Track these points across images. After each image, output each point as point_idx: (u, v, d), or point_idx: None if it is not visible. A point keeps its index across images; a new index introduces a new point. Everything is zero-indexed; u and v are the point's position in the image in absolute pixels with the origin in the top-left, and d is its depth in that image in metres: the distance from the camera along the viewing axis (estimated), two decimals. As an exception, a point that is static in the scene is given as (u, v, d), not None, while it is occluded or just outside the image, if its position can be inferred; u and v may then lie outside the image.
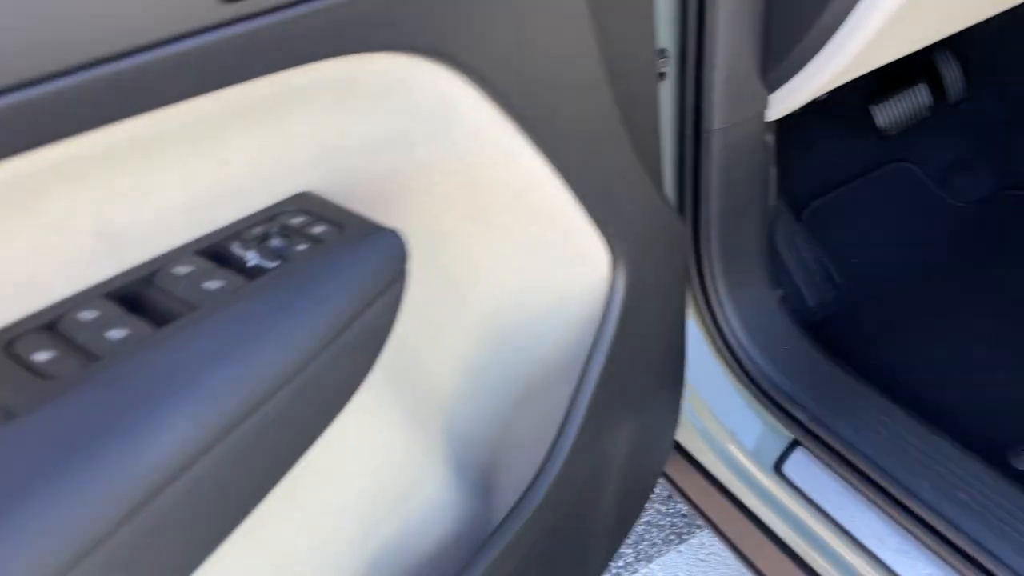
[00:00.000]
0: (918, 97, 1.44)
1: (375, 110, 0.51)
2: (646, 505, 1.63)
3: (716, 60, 0.93)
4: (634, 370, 0.79)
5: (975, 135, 1.49)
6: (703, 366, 1.14)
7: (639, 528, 1.59)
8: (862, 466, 0.98)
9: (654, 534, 1.58)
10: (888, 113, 1.43)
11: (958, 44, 1.47)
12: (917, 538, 0.92)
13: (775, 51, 0.94)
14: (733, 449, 1.10)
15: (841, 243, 1.40)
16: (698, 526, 1.56)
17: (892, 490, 0.94)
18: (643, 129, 0.73)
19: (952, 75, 1.47)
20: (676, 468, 1.20)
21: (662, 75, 0.94)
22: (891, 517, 0.94)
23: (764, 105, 1.01)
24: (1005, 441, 1.09)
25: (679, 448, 1.18)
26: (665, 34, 0.93)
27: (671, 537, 1.57)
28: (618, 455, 0.84)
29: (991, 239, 1.39)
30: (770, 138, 1.08)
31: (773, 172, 1.14)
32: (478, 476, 0.80)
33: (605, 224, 0.70)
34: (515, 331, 0.76)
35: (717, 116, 0.97)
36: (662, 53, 0.93)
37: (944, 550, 0.89)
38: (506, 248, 0.71)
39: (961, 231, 1.41)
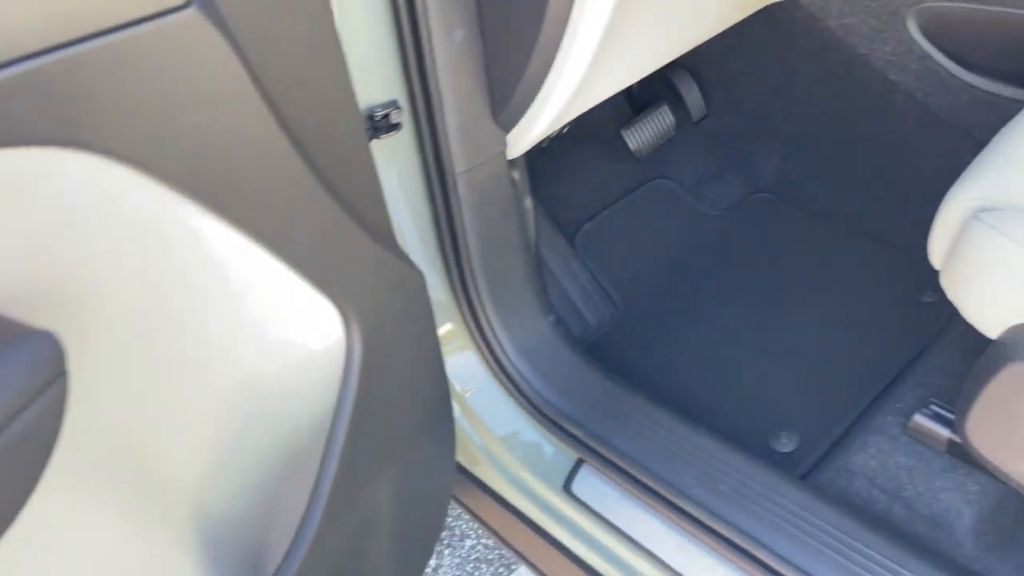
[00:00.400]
0: (663, 119, 1.56)
1: (21, 208, 0.49)
2: (473, 543, 1.64)
3: (446, 108, 0.96)
4: (387, 422, 0.79)
5: (720, 147, 1.63)
6: (489, 398, 1.16)
7: (468, 567, 1.59)
8: (637, 474, 1.03)
9: (484, 570, 1.58)
10: (638, 137, 1.54)
11: (693, 64, 1.60)
12: (691, 534, 0.97)
13: (500, 95, 0.98)
14: (526, 476, 1.13)
15: (614, 261, 1.48)
16: (525, 553, 1.58)
17: (664, 492, 1.00)
18: (361, 188, 0.74)
19: (691, 94, 1.61)
20: (478, 503, 1.21)
21: (397, 126, 0.96)
22: (667, 518, 1.00)
23: (503, 145, 1.05)
24: (767, 427, 1.18)
25: (479, 483, 1.20)
26: (395, 87, 0.95)
27: (500, 570, 1.58)
28: (385, 507, 0.83)
29: (744, 240, 1.51)
30: (517, 174, 1.13)
31: (529, 204, 1.19)
32: (245, 557, 0.77)
33: (328, 287, 0.70)
34: (261, 404, 0.74)
35: (458, 160, 1.00)
36: (394, 105, 0.95)
37: (713, 540, 0.95)
38: (233, 322, 0.69)
39: (719, 237, 1.53)
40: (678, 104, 1.61)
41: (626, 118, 1.56)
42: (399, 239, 1.03)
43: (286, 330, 0.71)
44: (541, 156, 1.53)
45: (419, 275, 0.81)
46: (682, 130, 1.62)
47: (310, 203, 0.65)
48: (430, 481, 0.94)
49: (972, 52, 1.25)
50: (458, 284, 1.10)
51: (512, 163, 1.11)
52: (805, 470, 1.10)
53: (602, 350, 1.37)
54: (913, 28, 1.29)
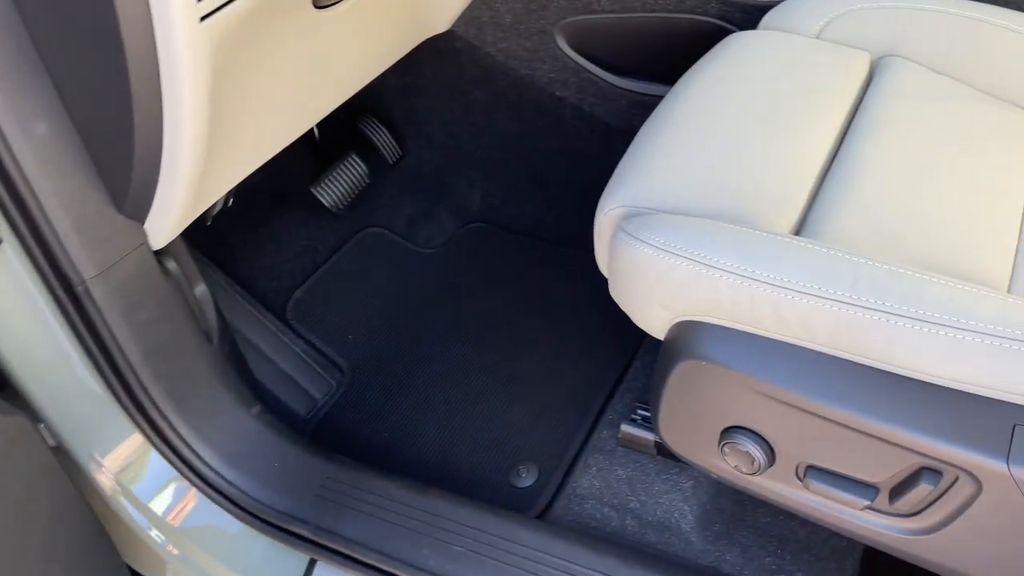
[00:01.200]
0: (354, 168, 1.50)
1: None
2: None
3: (50, 210, 0.83)
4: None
5: (424, 185, 1.60)
6: (201, 519, 1.03)
7: None
8: (372, 560, 0.94)
9: None
10: (332, 191, 1.47)
11: (378, 106, 1.56)
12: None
13: (116, 185, 0.87)
14: (257, 593, 1.01)
15: (334, 324, 1.40)
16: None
17: (401, 571, 0.92)
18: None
19: (382, 138, 1.56)
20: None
21: (-4, 242, 0.82)
22: (408, 599, 0.92)
23: (142, 236, 0.93)
24: (506, 464, 1.15)
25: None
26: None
27: None
28: None
29: (464, 274, 1.48)
30: (174, 264, 1.01)
31: (202, 291, 1.07)
32: None
33: None
34: None
35: (84, 265, 0.87)
36: (-11, 220, 0.81)
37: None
38: None
39: (438, 275, 1.49)
40: (370, 150, 1.56)
41: (312, 176, 1.48)
42: (29, 370, 0.88)
43: None
44: (230, 230, 1.41)
45: (18, 422, 0.67)
46: (380, 175, 1.57)
47: None
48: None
49: (618, 58, 1.31)
50: (128, 402, 0.96)
51: (164, 253, 0.99)
52: (546, 501, 1.07)
53: (333, 423, 1.27)
54: (563, 44, 1.32)
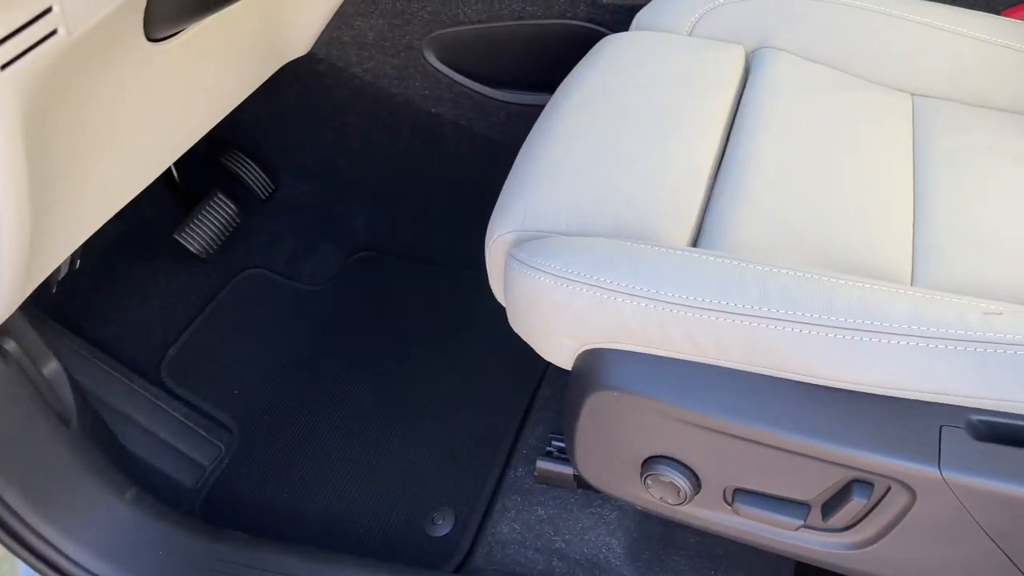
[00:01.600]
0: (220, 208, 1.38)
1: None
2: None
3: None
4: None
5: (303, 217, 1.50)
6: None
7: None
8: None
9: None
10: (198, 237, 1.35)
11: (244, 140, 1.45)
12: None
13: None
14: None
15: (216, 380, 1.28)
16: None
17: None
18: None
19: (250, 172, 1.45)
20: None
21: None
22: None
23: (-26, 316, 0.81)
24: (420, 513, 1.07)
25: None
26: None
27: None
28: None
29: (357, 307, 1.39)
30: (13, 344, 0.88)
31: (54, 368, 0.95)
32: None
33: None
34: None
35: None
36: None
37: None
38: None
39: (329, 311, 1.39)
40: (238, 186, 1.44)
41: (180, 218, 1.35)
42: None
43: None
44: (87, 290, 1.27)
45: None
46: (252, 212, 1.46)
47: None
48: None
49: (491, 69, 1.25)
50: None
51: (4, 331, 0.86)
52: (466, 549, 1.00)
53: (225, 490, 1.16)
54: (432, 58, 1.26)
